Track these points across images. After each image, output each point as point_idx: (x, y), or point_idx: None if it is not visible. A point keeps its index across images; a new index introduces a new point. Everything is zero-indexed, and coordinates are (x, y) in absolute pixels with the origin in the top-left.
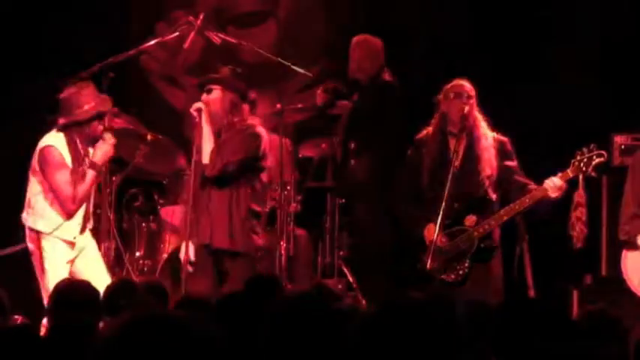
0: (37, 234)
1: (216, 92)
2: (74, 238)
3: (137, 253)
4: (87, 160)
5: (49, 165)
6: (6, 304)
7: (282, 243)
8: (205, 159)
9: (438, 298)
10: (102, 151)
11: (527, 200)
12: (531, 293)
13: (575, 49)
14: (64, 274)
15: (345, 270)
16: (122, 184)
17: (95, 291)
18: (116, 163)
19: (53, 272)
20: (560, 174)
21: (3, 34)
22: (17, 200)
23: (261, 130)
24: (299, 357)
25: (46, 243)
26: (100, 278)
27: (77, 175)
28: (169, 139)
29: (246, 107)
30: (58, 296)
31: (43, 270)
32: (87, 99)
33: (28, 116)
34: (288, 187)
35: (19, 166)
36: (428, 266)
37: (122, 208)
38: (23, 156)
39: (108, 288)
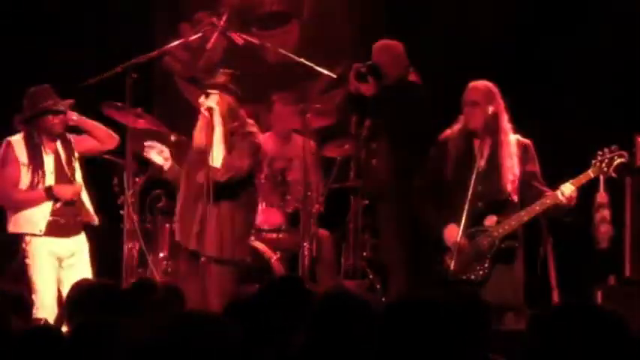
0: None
1: (214, 97)
2: (40, 231)
3: (160, 254)
4: (43, 184)
5: None
6: (27, 302)
7: (305, 244)
8: (217, 162)
9: (464, 297)
10: (69, 190)
11: (547, 201)
12: (555, 294)
13: (598, 48)
14: (48, 277)
15: (369, 271)
16: (145, 185)
17: (116, 290)
18: (140, 164)
19: (38, 275)
20: (572, 180)
21: (29, 38)
22: None
23: (261, 138)
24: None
25: (26, 246)
26: None
27: (34, 170)
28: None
29: (243, 112)
30: (80, 296)
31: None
32: (39, 99)
33: None
34: (312, 188)
35: None
36: (452, 267)
37: (145, 209)
38: None
39: (127, 288)
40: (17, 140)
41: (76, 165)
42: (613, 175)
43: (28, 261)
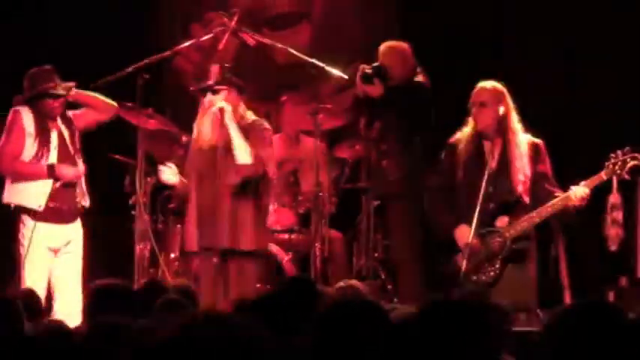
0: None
1: (224, 92)
2: (39, 206)
3: (172, 255)
4: (47, 159)
5: (5, 125)
6: (40, 302)
7: (316, 245)
8: (243, 158)
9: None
10: (71, 171)
11: (559, 202)
12: (567, 295)
13: (612, 52)
14: (40, 271)
15: (380, 272)
16: (157, 185)
17: (130, 291)
18: (151, 164)
19: (28, 262)
20: (584, 182)
21: (40, 38)
22: None
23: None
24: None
25: (23, 229)
26: (72, 279)
27: (41, 143)
28: None
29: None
30: (96, 297)
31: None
32: (39, 81)
33: None
34: (323, 189)
35: None
36: (463, 268)
37: (157, 209)
38: None
39: (139, 289)
40: (26, 111)
41: (78, 142)
42: (626, 177)
43: (21, 249)
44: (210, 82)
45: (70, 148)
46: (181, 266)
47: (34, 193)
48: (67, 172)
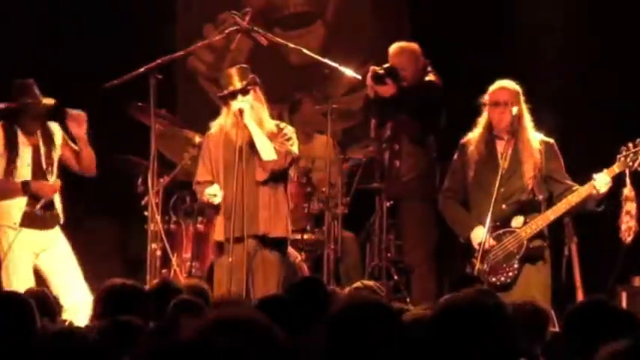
0: None
1: (251, 93)
2: (14, 224)
3: (184, 255)
4: (15, 175)
5: None
6: (53, 302)
7: (329, 245)
8: (267, 155)
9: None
10: (47, 187)
11: (574, 198)
12: (580, 294)
13: (622, 49)
14: (24, 272)
15: (393, 272)
16: (169, 186)
17: (142, 292)
18: (163, 165)
19: (12, 266)
20: (606, 170)
21: (54, 39)
22: None
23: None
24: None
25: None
26: (67, 276)
27: (8, 160)
28: None
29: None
30: (108, 298)
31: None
32: (18, 95)
33: None
34: (336, 190)
35: None
36: (476, 268)
37: (169, 209)
38: None
39: (151, 290)
40: None
41: (56, 158)
42: (639, 169)
43: (1, 254)
44: (240, 86)
45: (44, 164)
46: (194, 266)
47: (10, 211)
48: (43, 188)
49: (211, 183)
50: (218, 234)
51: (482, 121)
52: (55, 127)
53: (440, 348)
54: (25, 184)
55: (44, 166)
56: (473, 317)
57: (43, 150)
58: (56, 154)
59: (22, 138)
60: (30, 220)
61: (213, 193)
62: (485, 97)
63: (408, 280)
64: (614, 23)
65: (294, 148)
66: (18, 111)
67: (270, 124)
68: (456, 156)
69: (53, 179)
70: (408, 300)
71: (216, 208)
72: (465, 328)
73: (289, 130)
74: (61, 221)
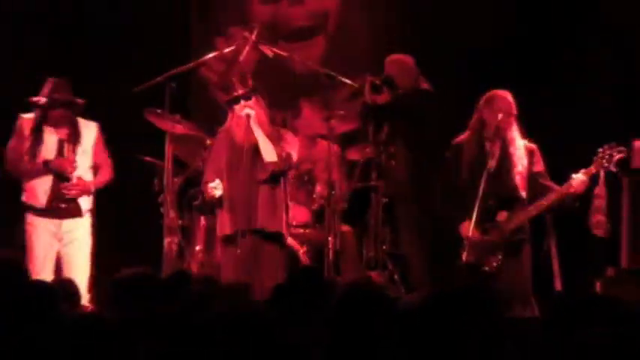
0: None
1: (254, 99)
2: (41, 204)
3: (197, 247)
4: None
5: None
6: (78, 290)
7: (329, 239)
8: (269, 156)
9: (482, 289)
10: (64, 162)
11: (553, 196)
12: (558, 284)
13: (599, 59)
14: (46, 254)
15: (388, 263)
16: (183, 184)
17: (155, 280)
18: (178, 166)
19: (33, 249)
20: (583, 170)
21: (79, 46)
22: None
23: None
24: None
25: (28, 217)
26: (81, 267)
27: (33, 147)
28: None
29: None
30: (123, 286)
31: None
32: (52, 90)
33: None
34: (336, 188)
35: None
36: (464, 259)
37: (183, 206)
38: None
39: (167, 278)
40: (28, 117)
41: (81, 155)
42: (613, 169)
43: (27, 240)
44: (242, 91)
45: (66, 153)
46: (205, 258)
47: (37, 193)
48: (62, 163)
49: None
50: (224, 228)
51: (474, 123)
52: (90, 127)
53: (433, 332)
54: (46, 162)
55: (66, 154)
56: (464, 302)
57: (66, 145)
58: (82, 151)
59: (49, 130)
60: (56, 200)
61: (214, 186)
62: (480, 102)
63: (402, 271)
64: None
65: (294, 153)
66: (47, 105)
67: (270, 129)
68: (448, 155)
69: (75, 173)
70: (402, 289)
71: (219, 203)
72: (457, 313)
73: (289, 136)
74: (82, 214)
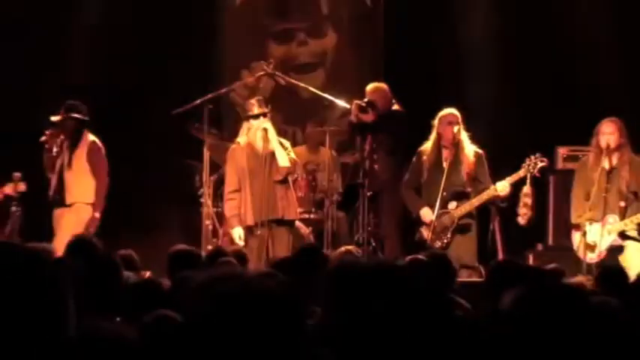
0: None
1: (269, 116)
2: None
3: (228, 229)
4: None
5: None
6: (137, 261)
7: (328, 222)
8: (283, 162)
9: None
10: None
11: (483, 197)
12: (500, 255)
13: (531, 77)
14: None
15: (372, 241)
16: (216, 181)
17: (198, 255)
18: (213, 167)
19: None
20: (511, 176)
21: (126, 76)
22: None
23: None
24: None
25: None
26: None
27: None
28: None
29: None
30: (175, 258)
31: None
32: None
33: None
34: (333, 185)
35: None
36: (428, 238)
37: (217, 198)
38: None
39: (207, 253)
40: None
41: (76, 161)
42: (537, 174)
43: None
44: (261, 111)
45: (66, 161)
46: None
47: None
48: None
49: (237, 191)
50: (247, 219)
51: (433, 135)
52: (89, 143)
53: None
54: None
55: (66, 162)
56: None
57: (67, 154)
58: (76, 159)
59: (65, 144)
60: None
61: (238, 236)
62: (437, 119)
63: (382, 246)
64: None
65: (296, 159)
66: (61, 124)
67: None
68: (414, 159)
69: (72, 173)
70: (382, 259)
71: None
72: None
73: (289, 146)
74: (66, 202)
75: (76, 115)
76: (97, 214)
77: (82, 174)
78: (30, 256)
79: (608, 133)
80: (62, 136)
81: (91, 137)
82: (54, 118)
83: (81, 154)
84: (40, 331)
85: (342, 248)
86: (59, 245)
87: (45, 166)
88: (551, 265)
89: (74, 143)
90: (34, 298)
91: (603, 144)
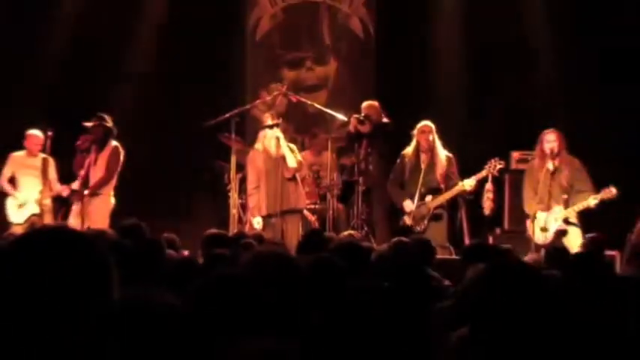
0: None
1: (280, 126)
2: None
3: (250, 217)
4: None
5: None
6: (177, 242)
7: (330, 212)
8: (292, 164)
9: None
10: (99, 213)
11: (453, 191)
12: (466, 238)
13: (490, 97)
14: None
15: (366, 227)
16: (242, 178)
17: (227, 237)
18: (238, 167)
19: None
20: (477, 174)
21: (162, 94)
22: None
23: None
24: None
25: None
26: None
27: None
28: None
29: None
30: (209, 240)
31: None
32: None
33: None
34: (334, 182)
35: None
36: (408, 223)
37: (242, 192)
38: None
39: (233, 236)
40: None
41: (99, 162)
42: (496, 174)
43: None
44: (275, 122)
45: (93, 164)
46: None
47: None
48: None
49: (257, 188)
50: (261, 210)
51: (413, 142)
52: (112, 147)
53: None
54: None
55: (93, 161)
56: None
57: (94, 154)
58: (101, 159)
59: (93, 146)
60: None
61: (257, 223)
62: (416, 129)
63: (373, 230)
64: None
65: (302, 160)
66: (92, 130)
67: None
68: (398, 161)
69: (96, 169)
70: (374, 243)
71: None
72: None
73: (296, 150)
74: (82, 197)
75: (104, 124)
76: (75, 187)
77: (103, 171)
78: (82, 239)
79: (551, 140)
80: (92, 140)
81: (114, 143)
82: (87, 124)
83: (105, 155)
84: (90, 294)
85: (346, 232)
86: (93, 225)
87: (75, 164)
88: (505, 246)
89: (101, 146)
90: (87, 269)
91: (547, 150)
